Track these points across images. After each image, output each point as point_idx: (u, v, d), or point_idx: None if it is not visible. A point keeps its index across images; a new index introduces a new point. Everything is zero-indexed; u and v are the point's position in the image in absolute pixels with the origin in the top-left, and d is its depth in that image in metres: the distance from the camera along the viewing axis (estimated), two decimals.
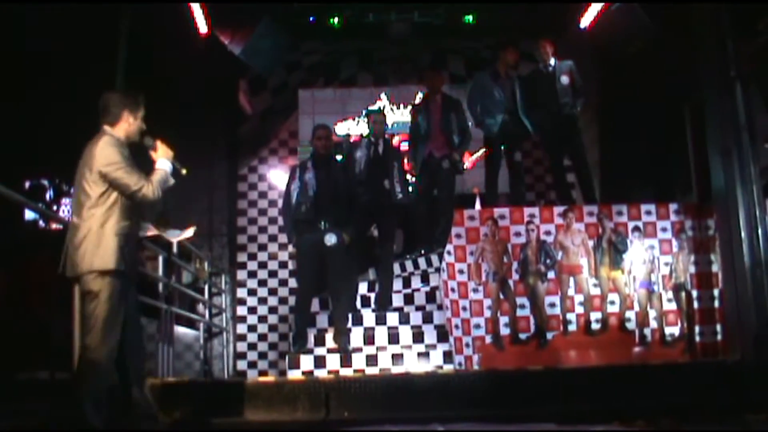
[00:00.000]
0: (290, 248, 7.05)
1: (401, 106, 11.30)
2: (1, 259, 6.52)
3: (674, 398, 5.17)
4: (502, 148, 7.97)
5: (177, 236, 4.70)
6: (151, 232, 4.65)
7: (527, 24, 9.30)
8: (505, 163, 8.09)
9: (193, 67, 8.69)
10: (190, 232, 4.72)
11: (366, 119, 8.05)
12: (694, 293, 6.80)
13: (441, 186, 7.91)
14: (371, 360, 6.72)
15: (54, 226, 7.91)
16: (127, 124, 4.32)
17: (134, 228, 4.32)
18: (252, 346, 10.32)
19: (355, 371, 6.64)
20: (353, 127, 11.31)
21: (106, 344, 4.04)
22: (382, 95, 11.41)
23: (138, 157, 4.35)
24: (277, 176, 10.98)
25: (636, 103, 8.67)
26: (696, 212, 6.92)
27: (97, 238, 4.07)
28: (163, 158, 4.36)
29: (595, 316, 6.79)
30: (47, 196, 9.03)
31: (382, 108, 11.08)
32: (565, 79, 7.74)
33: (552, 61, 7.84)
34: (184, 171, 4.49)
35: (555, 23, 9.02)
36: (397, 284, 7.54)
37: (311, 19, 9.68)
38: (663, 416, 4.63)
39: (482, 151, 9.07)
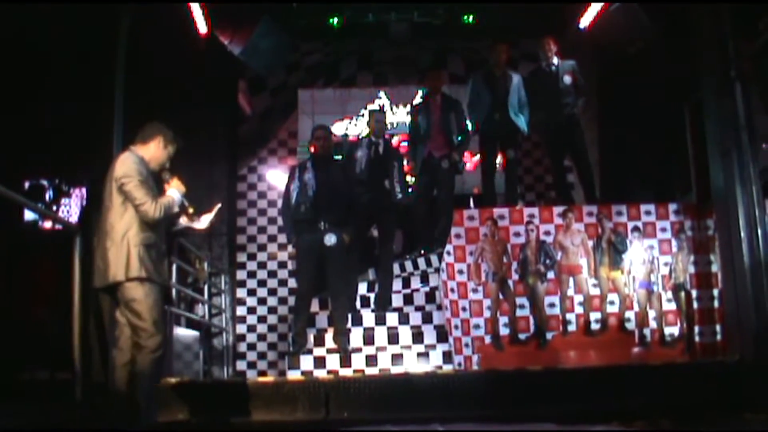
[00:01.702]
0: (290, 248, 7.06)
1: (400, 105, 11.29)
2: (1, 260, 6.51)
3: (674, 398, 5.18)
4: (497, 147, 8.00)
5: (207, 221, 4.80)
6: (187, 224, 4.75)
7: (527, 24, 9.29)
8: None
9: (193, 67, 8.68)
10: (215, 212, 4.79)
11: (367, 118, 8.03)
12: (694, 293, 6.80)
13: (440, 186, 7.91)
14: (371, 360, 6.72)
15: (54, 226, 7.91)
16: (155, 149, 4.60)
17: (157, 238, 4.49)
18: (251, 347, 10.31)
19: (354, 371, 6.65)
20: (351, 127, 11.30)
21: (151, 343, 4.29)
22: (381, 93, 11.40)
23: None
24: (276, 176, 10.97)
25: (636, 103, 8.66)
26: (695, 212, 6.93)
27: (118, 249, 4.32)
28: (174, 189, 4.59)
29: (594, 316, 6.79)
30: (47, 197, 9.00)
31: (381, 106, 11.10)
32: (567, 79, 7.72)
33: (555, 60, 7.82)
34: (191, 210, 4.76)
35: (555, 23, 9.01)
36: (397, 284, 7.54)
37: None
38: (662, 416, 4.64)
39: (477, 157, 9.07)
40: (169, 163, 4.70)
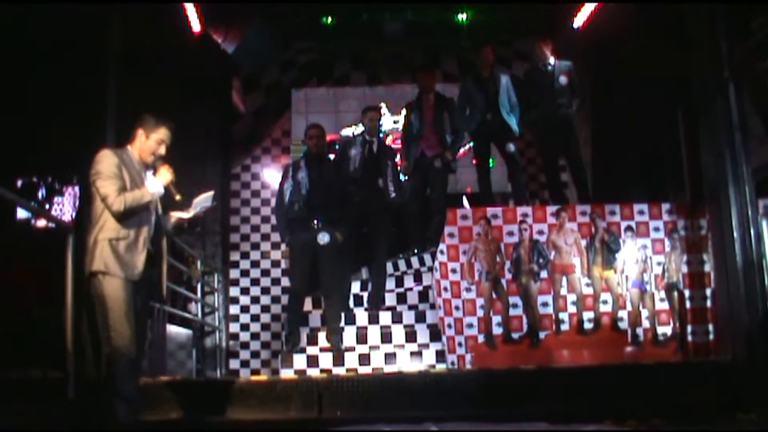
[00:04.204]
0: (283, 247, 7.06)
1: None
2: None
3: (666, 398, 5.18)
4: (491, 147, 8.00)
5: (196, 207, 4.78)
6: (176, 214, 4.73)
7: (521, 24, 9.30)
8: (503, 161, 8.11)
9: (187, 66, 8.67)
10: (209, 197, 4.73)
11: (361, 116, 7.99)
12: (687, 293, 6.80)
13: (433, 185, 7.91)
14: (364, 359, 6.72)
15: (47, 224, 7.89)
16: (140, 142, 4.54)
17: (128, 232, 4.42)
18: (245, 345, 10.31)
19: (347, 370, 6.65)
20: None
21: (117, 342, 4.24)
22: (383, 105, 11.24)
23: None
24: (270, 175, 10.96)
25: (629, 102, 8.67)
26: (688, 212, 6.93)
27: (92, 243, 4.35)
28: (156, 179, 4.51)
29: (587, 315, 6.79)
30: (39, 195, 9.00)
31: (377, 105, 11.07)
32: (563, 80, 7.68)
33: (551, 61, 7.80)
34: (178, 197, 4.64)
35: (549, 23, 9.02)
36: (390, 283, 7.54)
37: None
38: (655, 415, 4.64)
39: (469, 145, 9.01)
40: (164, 148, 4.58)
